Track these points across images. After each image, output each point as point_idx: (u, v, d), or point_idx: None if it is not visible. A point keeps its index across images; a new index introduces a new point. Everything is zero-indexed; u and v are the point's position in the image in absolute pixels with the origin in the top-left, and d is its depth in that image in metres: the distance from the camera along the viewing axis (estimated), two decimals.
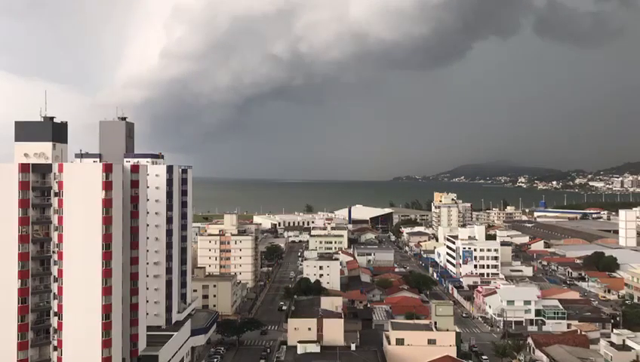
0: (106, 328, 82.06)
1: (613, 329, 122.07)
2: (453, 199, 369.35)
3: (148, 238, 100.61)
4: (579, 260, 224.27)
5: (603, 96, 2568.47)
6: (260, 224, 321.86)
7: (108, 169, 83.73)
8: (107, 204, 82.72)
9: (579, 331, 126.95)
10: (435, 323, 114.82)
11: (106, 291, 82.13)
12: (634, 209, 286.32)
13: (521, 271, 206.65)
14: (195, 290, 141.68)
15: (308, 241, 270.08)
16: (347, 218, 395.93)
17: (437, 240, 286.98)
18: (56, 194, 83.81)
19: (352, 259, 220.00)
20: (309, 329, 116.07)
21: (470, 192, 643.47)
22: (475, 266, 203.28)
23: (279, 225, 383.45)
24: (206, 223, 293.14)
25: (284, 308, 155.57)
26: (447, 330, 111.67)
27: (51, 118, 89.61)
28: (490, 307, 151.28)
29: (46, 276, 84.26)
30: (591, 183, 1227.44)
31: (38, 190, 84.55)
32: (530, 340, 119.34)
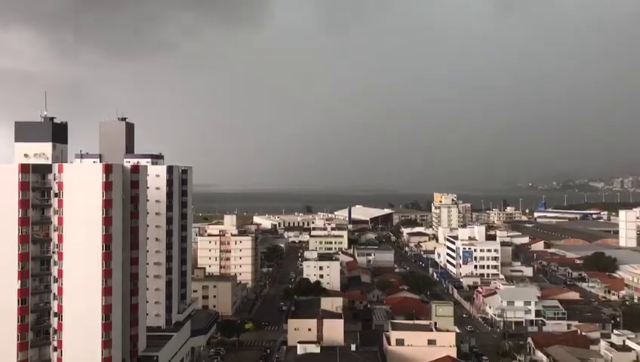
0: (106, 328, 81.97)
1: (614, 330, 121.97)
2: (453, 199, 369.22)
3: (148, 239, 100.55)
4: (579, 260, 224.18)
5: (604, 95, 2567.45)
6: (260, 224, 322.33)
7: (108, 169, 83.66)
8: (107, 204, 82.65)
9: (579, 331, 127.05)
10: (435, 323, 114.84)
11: (106, 291, 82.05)
12: (634, 209, 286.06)
13: (521, 271, 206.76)
14: (195, 291, 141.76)
15: (308, 242, 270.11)
16: (347, 218, 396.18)
17: (437, 240, 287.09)
18: (56, 195, 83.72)
19: (352, 259, 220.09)
20: (309, 329, 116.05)
21: (470, 193, 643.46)
22: (475, 266, 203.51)
23: (279, 226, 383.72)
24: (206, 223, 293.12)
25: (284, 308, 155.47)
26: (448, 331, 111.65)
27: (51, 119, 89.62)
28: (490, 307, 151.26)
29: (46, 276, 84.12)
30: (591, 184, 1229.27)
31: (38, 190, 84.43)
32: (530, 340, 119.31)
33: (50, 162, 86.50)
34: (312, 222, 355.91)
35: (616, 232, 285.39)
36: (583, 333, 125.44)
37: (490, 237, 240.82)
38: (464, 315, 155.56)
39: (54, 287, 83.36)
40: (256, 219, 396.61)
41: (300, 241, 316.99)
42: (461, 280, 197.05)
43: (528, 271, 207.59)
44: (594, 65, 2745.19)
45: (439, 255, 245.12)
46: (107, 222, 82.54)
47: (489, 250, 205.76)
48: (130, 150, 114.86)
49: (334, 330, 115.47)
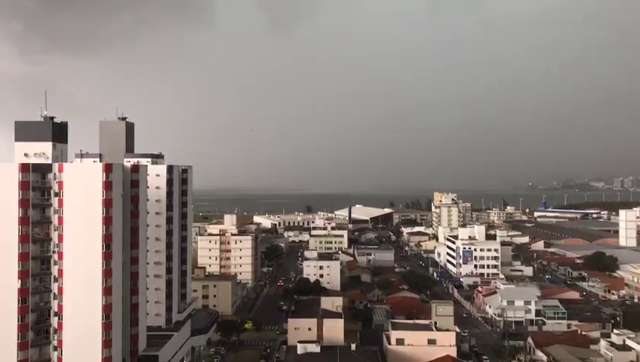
0: (106, 328, 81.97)
1: (614, 329, 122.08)
2: (453, 199, 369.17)
3: (148, 238, 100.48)
4: (579, 260, 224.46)
5: (604, 94, 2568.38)
6: (260, 224, 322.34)
7: (108, 169, 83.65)
8: (107, 204, 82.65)
9: (579, 331, 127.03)
10: (436, 323, 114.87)
11: (106, 291, 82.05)
12: (634, 209, 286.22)
13: (521, 271, 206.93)
14: (195, 290, 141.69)
15: (308, 241, 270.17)
16: (347, 218, 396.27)
17: (437, 240, 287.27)
18: (56, 194, 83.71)
19: (352, 258, 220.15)
20: (309, 329, 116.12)
21: (471, 192, 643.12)
22: (476, 266, 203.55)
23: (279, 225, 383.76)
24: (206, 223, 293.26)
25: (284, 308, 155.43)
26: (448, 330, 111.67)
27: (51, 118, 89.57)
28: (490, 307, 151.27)
29: (46, 276, 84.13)
30: (591, 183, 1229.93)
31: (39, 190, 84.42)
32: (530, 340, 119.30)
33: (50, 161, 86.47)
34: (312, 222, 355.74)
35: (617, 232, 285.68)
36: (583, 333, 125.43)
37: (490, 237, 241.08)
38: (464, 315, 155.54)
39: (54, 287, 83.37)
40: (256, 218, 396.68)
41: (300, 241, 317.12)
42: (461, 279, 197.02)
43: (528, 271, 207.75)
44: (594, 64, 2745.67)
45: (439, 254, 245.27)
46: (107, 221, 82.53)
47: (489, 250, 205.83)
48: (130, 149, 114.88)
49: (334, 330, 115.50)
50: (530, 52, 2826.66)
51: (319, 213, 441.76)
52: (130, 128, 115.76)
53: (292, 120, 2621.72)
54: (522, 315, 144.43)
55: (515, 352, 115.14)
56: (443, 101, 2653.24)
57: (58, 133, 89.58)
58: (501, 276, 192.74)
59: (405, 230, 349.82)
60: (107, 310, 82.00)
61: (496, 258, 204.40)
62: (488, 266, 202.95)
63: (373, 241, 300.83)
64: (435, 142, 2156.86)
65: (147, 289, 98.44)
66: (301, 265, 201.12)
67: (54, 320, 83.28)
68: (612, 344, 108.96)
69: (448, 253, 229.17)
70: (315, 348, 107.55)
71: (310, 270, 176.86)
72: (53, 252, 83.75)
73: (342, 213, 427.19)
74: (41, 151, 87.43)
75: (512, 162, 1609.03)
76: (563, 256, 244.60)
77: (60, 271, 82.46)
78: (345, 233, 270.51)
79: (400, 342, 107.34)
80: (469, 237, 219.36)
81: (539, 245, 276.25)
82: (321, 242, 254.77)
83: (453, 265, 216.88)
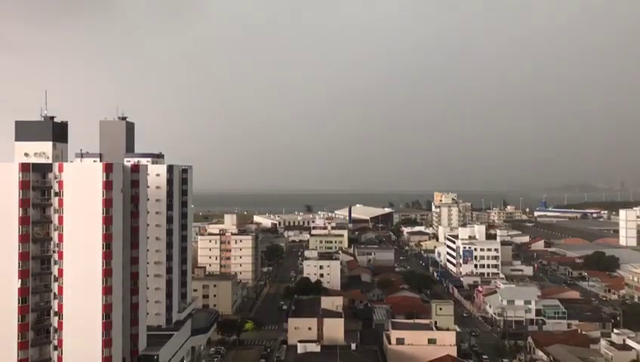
0: (106, 328, 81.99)
1: (614, 329, 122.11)
2: (453, 199, 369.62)
3: (148, 238, 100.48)
4: (579, 260, 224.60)
5: (605, 93, 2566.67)
6: (260, 223, 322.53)
7: (108, 169, 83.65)
8: (107, 203, 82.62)
9: (579, 331, 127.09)
10: (436, 322, 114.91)
11: (106, 291, 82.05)
12: (634, 209, 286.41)
13: (521, 270, 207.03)
14: (195, 290, 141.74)
15: (308, 241, 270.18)
16: (347, 217, 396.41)
17: (437, 239, 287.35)
18: (56, 194, 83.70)
19: (353, 258, 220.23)
20: (310, 328, 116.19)
21: (471, 192, 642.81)
22: (476, 266, 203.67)
23: (279, 225, 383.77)
24: (206, 223, 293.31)
25: (284, 307, 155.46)
26: (448, 330, 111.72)
27: (52, 118, 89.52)
28: (490, 306, 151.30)
29: (46, 275, 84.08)
30: (591, 183, 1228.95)
31: (39, 190, 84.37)
32: (530, 340, 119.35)
33: (50, 161, 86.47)
34: (313, 221, 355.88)
35: (617, 231, 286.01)
36: (583, 332, 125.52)
37: (491, 237, 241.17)
38: (464, 314, 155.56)
39: (55, 286, 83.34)
40: (257, 218, 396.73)
41: (301, 240, 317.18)
42: (461, 279, 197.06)
43: (528, 271, 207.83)
44: (595, 63, 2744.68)
45: (439, 254, 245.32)
46: (107, 221, 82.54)
47: (489, 249, 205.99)
48: (130, 149, 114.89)
49: (334, 329, 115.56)
50: (530, 51, 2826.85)
51: (319, 212, 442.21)
52: (130, 128, 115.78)
53: (292, 119, 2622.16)
54: (522, 315, 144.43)
55: (515, 352, 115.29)
56: (442, 101, 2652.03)
57: (58, 132, 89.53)
58: (501, 276, 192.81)
59: (405, 230, 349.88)
60: (107, 309, 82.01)
61: (496, 257, 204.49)
62: (488, 266, 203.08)
63: (374, 241, 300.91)
64: (435, 141, 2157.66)
65: (147, 288, 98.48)
66: (301, 264, 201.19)
67: (54, 320, 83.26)
68: (612, 343, 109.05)
69: (448, 253, 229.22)
70: (315, 348, 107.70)
71: (310, 269, 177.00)
72: (54, 251, 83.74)
73: (342, 213, 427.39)
74: (41, 150, 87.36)
75: (513, 162, 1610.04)
76: (563, 255, 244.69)
77: (60, 271, 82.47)
78: (345, 233, 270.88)
79: (400, 341, 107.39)
80: (469, 236, 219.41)
81: (539, 245, 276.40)
82: (321, 242, 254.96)
83: (454, 265, 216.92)
